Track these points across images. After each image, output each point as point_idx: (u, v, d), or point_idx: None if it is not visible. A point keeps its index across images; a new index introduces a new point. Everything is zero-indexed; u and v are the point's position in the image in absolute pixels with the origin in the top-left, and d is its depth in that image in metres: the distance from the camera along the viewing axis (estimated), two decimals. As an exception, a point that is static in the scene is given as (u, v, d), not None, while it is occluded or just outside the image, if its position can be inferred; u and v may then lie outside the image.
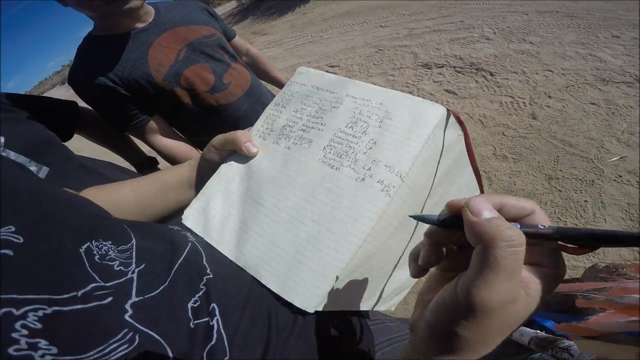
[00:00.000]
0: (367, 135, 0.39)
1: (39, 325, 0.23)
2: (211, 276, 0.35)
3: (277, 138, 0.46)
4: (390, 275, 0.46)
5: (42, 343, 0.22)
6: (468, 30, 3.28)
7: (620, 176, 1.50)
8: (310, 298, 0.34)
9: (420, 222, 0.39)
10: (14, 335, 0.21)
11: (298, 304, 0.35)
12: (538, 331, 1.04)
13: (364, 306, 0.43)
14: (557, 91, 2.22)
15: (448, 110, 0.37)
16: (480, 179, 0.50)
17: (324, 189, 0.38)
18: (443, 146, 0.39)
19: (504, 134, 2.00)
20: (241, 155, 0.46)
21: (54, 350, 0.23)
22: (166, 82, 0.89)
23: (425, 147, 0.37)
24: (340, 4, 5.65)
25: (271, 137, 0.46)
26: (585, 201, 1.52)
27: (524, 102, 2.20)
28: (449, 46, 3.10)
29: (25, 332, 0.22)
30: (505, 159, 1.83)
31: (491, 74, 2.58)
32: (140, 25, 0.90)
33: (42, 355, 0.22)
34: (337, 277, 0.35)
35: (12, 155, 0.61)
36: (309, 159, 0.41)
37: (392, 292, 0.50)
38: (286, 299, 0.35)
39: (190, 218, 0.45)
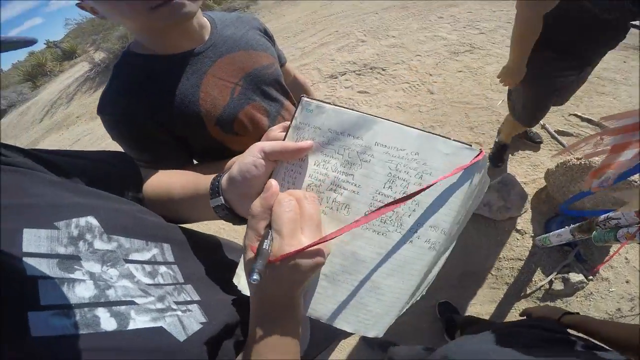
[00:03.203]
0: None
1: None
2: None
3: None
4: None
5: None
6: (346, 38, 4.04)
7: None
8: (379, 330, 0.44)
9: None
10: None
11: (371, 335, 0.43)
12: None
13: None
14: (433, 69, 3.12)
15: (480, 150, 0.39)
16: None
17: (375, 254, 0.40)
18: (474, 190, 0.41)
19: (420, 111, 2.78)
20: None
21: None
22: (217, 129, 0.76)
23: (463, 198, 0.40)
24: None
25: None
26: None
27: (417, 84, 3.03)
28: (340, 54, 3.80)
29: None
30: (434, 128, 2.60)
31: (383, 69, 3.36)
32: (193, 45, 0.72)
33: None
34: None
35: None
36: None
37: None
38: (360, 335, 0.47)
39: (246, 286, 0.43)
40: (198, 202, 0.51)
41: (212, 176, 0.49)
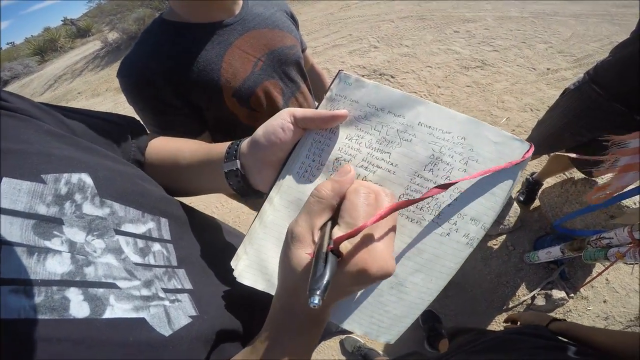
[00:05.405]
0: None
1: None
2: None
3: (328, 176, 0.38)
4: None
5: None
6: (358, 42, 4.06)
7: (513, 130, 2.42)
8: (393, 335, 0.37)
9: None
10: None
11: (383, 340, 0.37)
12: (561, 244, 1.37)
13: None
14: (441, 81, 3.12)
15: (530, 145, 0.35)
16: None
17: (403, 244, 0.36)
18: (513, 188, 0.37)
19: (424, 121, 2.78)
20: (289, 198, 0.39)
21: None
22: (234, 100, 0.76)
23: (507, 195, 0.35)
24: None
25: (321, 173, 0.39)
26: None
27: (424, 95, 3.04)
28: (351, 58, 3.81)
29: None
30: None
31: (392, 77, 3.37)
32: (225, 17, 0.75)
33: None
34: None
35: None
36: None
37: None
38: (371, 339, 0.38)
39: (246, 276, 0.38)
40: (208, 169, 0.46)
41: (227, 143, 0.45)
